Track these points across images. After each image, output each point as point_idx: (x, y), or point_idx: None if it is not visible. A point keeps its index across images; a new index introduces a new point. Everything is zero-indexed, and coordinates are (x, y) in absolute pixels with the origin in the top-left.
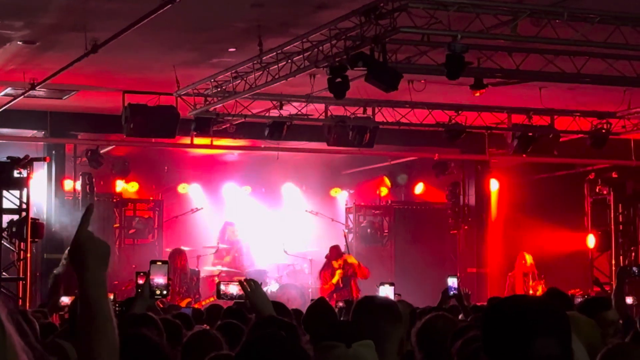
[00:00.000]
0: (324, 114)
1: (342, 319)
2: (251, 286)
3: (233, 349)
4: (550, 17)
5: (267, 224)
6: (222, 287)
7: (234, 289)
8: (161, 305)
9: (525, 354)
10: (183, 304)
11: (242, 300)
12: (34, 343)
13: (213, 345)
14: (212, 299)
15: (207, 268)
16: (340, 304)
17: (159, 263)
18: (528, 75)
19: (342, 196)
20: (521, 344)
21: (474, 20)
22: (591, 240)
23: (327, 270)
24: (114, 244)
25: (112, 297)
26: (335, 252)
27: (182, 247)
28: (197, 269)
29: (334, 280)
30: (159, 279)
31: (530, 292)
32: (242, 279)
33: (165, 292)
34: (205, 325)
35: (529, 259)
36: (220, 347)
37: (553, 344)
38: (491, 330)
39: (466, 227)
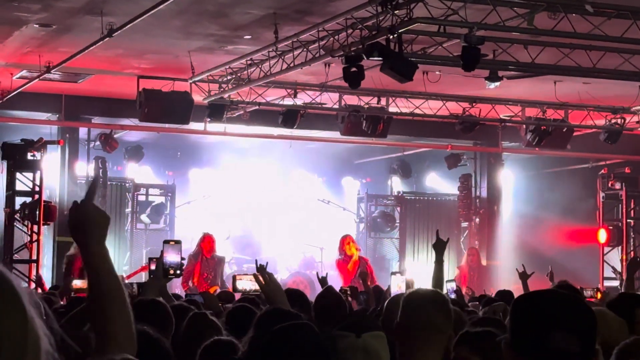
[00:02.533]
0: (337, 103)
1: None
2: (265, 279)
3: (238, 336)
4: (567, 11)
5: (279, 212)
6: (238, 280)
7: (248, 283)
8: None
9: (545, 347)
10: (211, 290)
11: (258, 294)
12: (55, 327)
13: (210, 330)
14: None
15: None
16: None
17: (172, 242)
18: (543, 68)
19: (354, 185)
20: (540, 337)
21: (491, 12)
22: (602, 235)
23: (344, 261)
24: (127, 228)
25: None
26: (345, 240)
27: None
28: (222, 255)
29: (355, 258)
30: (173, 259)
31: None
32: (256, 272)
33: (178, 271)
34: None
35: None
36: (219, 332)
37: (572, 339)
38: (515, 322)
39: (477, 220)
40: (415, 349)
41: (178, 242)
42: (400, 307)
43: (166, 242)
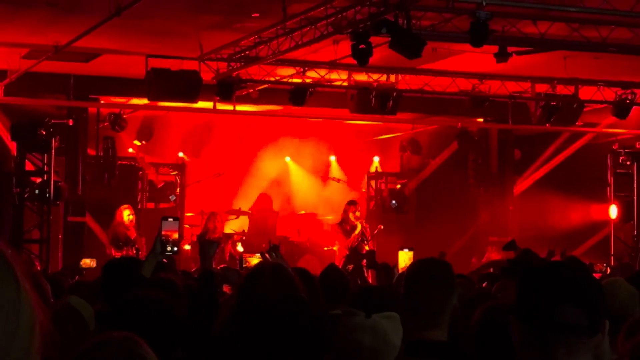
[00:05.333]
0: (347, 81)
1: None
2: (273, 257)
3: None
4: None
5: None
6: (245, 259)
7: (255, 260)
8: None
9: (552, 320)
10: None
11: None
12: (49, 302)
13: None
14: None
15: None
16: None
17: (170, 219)
18: (553, 44)
19: (363, 163)
20: (547, 310)
21: None
22: (613, 211)
23: (344, 224)
24: (137, 207)
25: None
26: (351, 206)
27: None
28: (231, 232)
29: (357, 232)
30: (170, 235)
31: None
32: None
33: (176, 248)
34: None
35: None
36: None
37: (579, 312)
38: (522, 294)
39: (488, 196)
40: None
41: (176, 219)
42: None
43: (164, 218)
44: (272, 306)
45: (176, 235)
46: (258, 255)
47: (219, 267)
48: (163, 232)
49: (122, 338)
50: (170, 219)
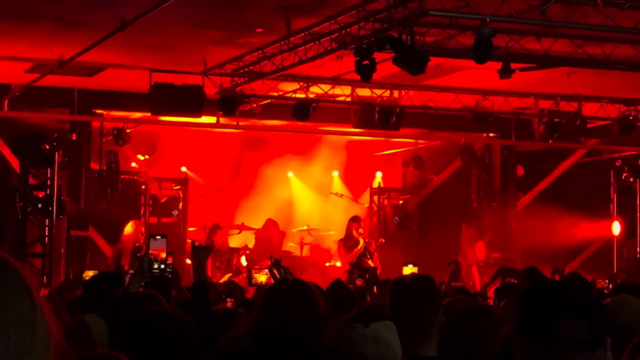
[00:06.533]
0: (350, 96)
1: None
2: (281, 273)
3: None
4: (580, 2)
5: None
6: (253, 274)
7: (264, 277)
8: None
9: (553, 336)
10: (224, 279)
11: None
12: (64, 319)
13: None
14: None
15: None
16: (358, 283)
17: (158, 237)
18: (556, 60)
19: (367, 178)
20: (549, 325)
21: (503, 3)
22: (616, 228)
23: (347, 241)
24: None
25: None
26: (354, 222)
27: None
28: (236, 247)
29: (359, 247)
30: (158, 253)
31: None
32: (270, 265)
33: (163, 266)
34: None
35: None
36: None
37: (581, 327)
38: (523, 311)
39: (491, 213)
40: None
41: (164, 237)
42: None
43: (152, 236)
44: (291, 324)
45: (164, 255)
46: (266, 271)
47: (222, 281)
48: (151, 251)
49: (105, 356)
50: (158, 237)
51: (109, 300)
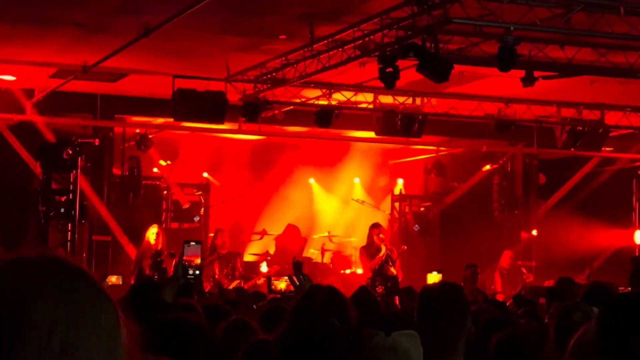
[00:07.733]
0: (372, 103)
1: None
2: (301, 281)
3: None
4: (604, 11)
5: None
6: (272, 282)
7: (282, 284)
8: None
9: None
10: (231, 286)
11: (293, 295)
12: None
13: (247, 333)
14: (261, 280)
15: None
16: (379, 290)
17: (193, 243)
18: (579, 69)
19: (389, 185)
20: (630, 342)
21: (527, 12)
22: (638, 237)
23: (369, 247)
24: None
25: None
26: (375, 228)
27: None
28: (238, 252)
29: (381, 254)
30: (192, 259)
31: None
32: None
33: (197, 272)
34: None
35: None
36: (255, 334)
37: None
38: (604, 328)
39: (513, 220)
40: None
41: (198, 242)
42: None
43: (187, 242)
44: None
45: (198, 260)
46: (285, 278)
47: (231, 287)
48: (185, 257)
49: None
50: (192, 243)
51: (151, 309)
